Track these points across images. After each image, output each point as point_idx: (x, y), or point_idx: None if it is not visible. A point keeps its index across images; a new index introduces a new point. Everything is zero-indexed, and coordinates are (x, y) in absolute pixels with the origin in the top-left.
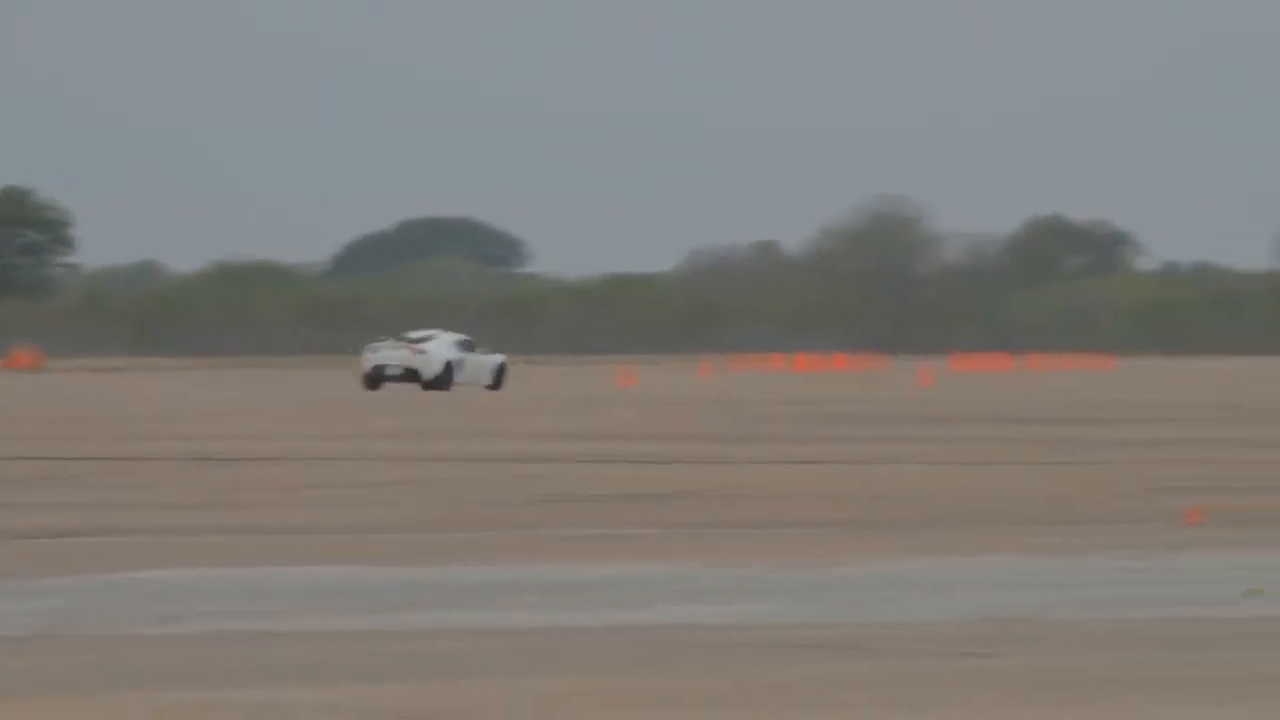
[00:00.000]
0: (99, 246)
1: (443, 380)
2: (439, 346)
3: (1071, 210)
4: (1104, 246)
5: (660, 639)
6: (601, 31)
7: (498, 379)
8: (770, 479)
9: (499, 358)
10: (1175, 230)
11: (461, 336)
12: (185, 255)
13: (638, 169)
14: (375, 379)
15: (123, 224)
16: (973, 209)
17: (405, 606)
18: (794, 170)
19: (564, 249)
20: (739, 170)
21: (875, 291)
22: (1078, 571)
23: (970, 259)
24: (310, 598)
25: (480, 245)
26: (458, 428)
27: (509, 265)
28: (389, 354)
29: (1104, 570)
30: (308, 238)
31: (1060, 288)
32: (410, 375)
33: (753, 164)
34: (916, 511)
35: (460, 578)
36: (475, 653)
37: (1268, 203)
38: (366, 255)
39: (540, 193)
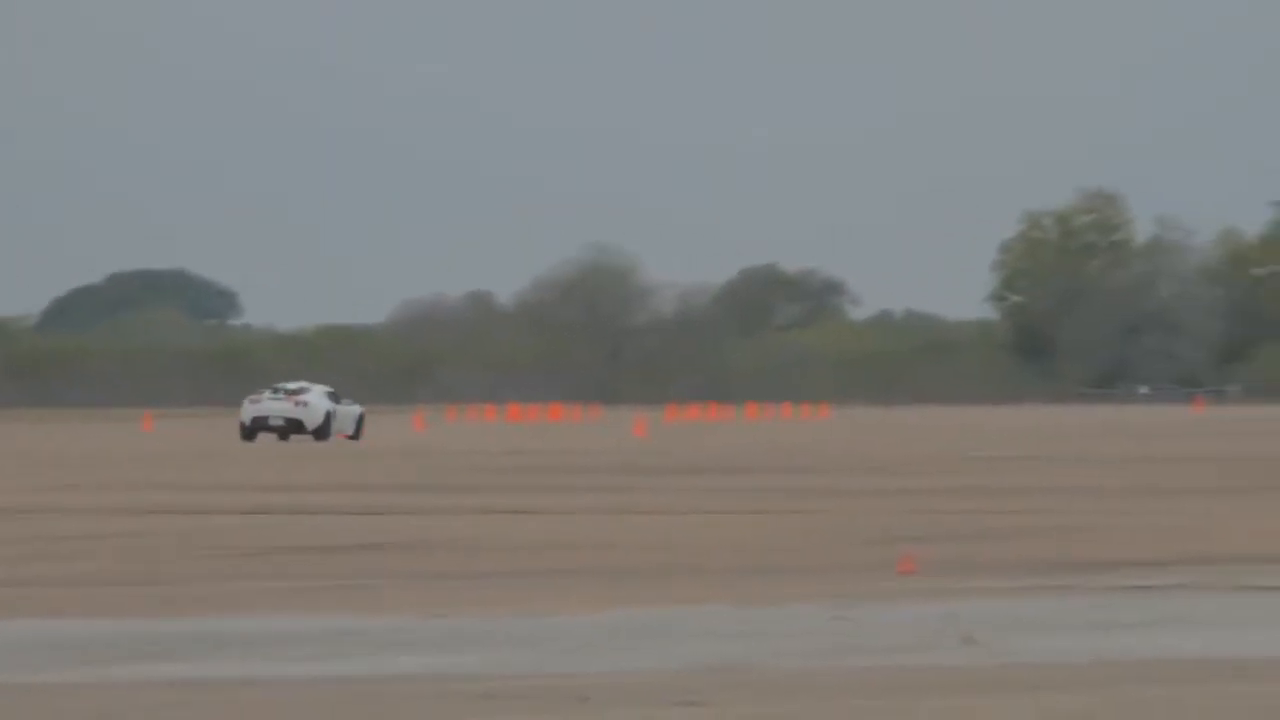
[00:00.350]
0: None
1: (324, 430)
2: (318, 398)
3: (784, 260)
4: (817, 296)
5: (370, 691)
6: (308, 80)
7: (358, 429)
8: (485, 530)
9: (358, 408)
10: (887, 279)
11: (328, 388)
12: None
13: (350, 220)
14: (254, 430)
15: None
16: (685, 259)
17: (115, 659)
18: (508, 220)
19: (277, 300)
20: (452, 220)
21: (589, 341)
22: (792, 620)
23: (684, 309)
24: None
25: (193, 297)
26: (176, 480)
27: (222, 317)
28: (271, 405)
29: (818, 619)
30: (17, 291)
31: (774, 337)
32: (294, 426)
33: (467, 214)
34: (633, 560)
35: (164, 629)
36: (175, 705)
37: (978, 252)
38: (77, 308)
39: (253, 244)
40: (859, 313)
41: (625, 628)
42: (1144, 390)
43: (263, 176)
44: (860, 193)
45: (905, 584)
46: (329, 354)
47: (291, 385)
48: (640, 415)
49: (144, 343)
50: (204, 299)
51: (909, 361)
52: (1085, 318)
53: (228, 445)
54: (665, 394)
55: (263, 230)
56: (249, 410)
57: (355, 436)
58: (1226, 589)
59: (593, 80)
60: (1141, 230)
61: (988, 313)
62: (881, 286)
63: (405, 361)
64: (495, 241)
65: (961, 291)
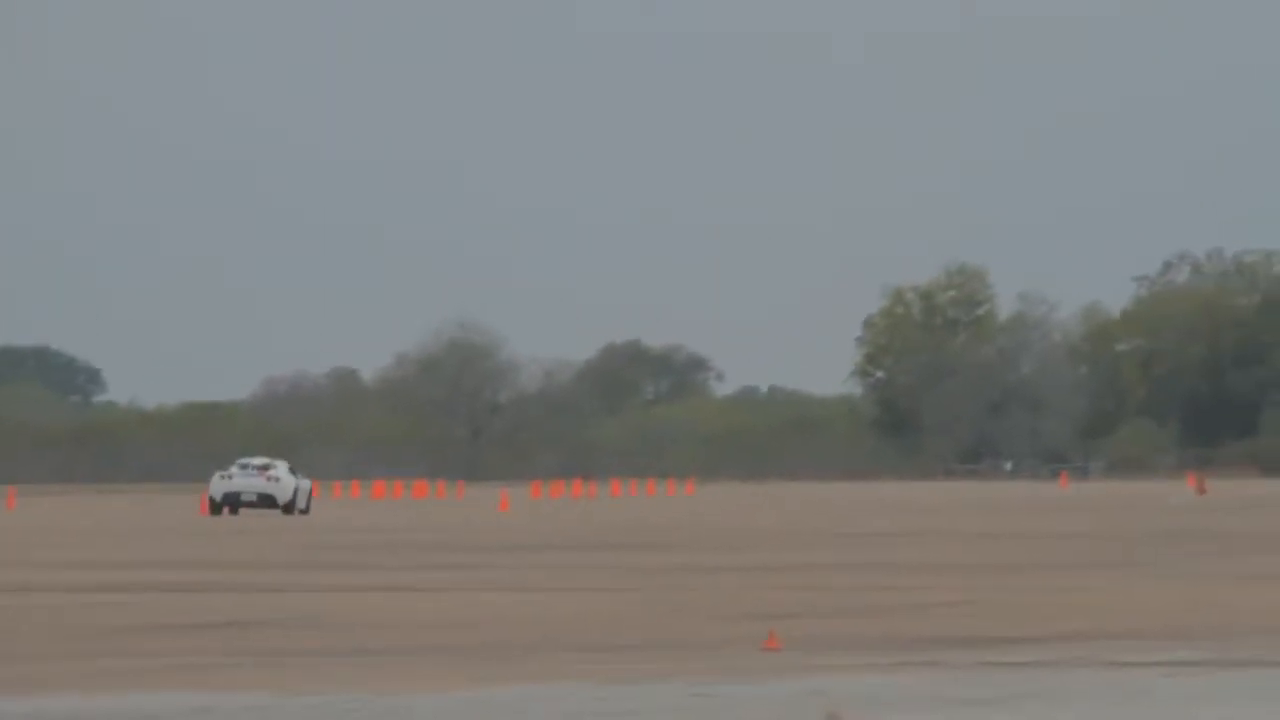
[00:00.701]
0: None
1: (292, 505)
2: (285, 473)
3: (648, 336)
4: (681, 372)
5: None
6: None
7: (308, 503)
8: (348, 607)
9: (308, 483)
10: (752, 355)
11: (288, 464)
12: None
13: (213, 295)
14: (223, 506)
15: None
16: (550, 335)
17: None
18: (373, 295)
19: (142, 376)
20: (317, 294)
21: (453, 418)
22: (654, 698)
23: (548, 385)
24: None
25: (56, 373)
26: (40, 558)
27: (86, 393)
28: (242, 481)
29: (682, 696)
30: None
31: (639, 413)
32: (266, 500)
33: (331, 287)
34: (496, 637)
35: (14, 709)
36: None
37: (843, 328)
38: None
39: (115, 320)
40: (723, 389)
41: (485, 706)
42: (1008, 466)
43: (126, 251)
44: (724, 269)
45: (770, 660)
46: (193, 431)
47: (257, 461)
48: (505, 492)
49: (5, 419)
50: (67, 375)
51: (774, 437)
52: (949, 393)
53: (91, 523)
54: (530, 470)
55: (125, 306)
56: (219, 486)
57: (306, 510)
58: (1094, 664)
59: (461, 150)
60: (1005, 306)
61: (852, 388)
62: (746, 363)
63: (269, 439)
64: (359, 317)
65: (826, 368)
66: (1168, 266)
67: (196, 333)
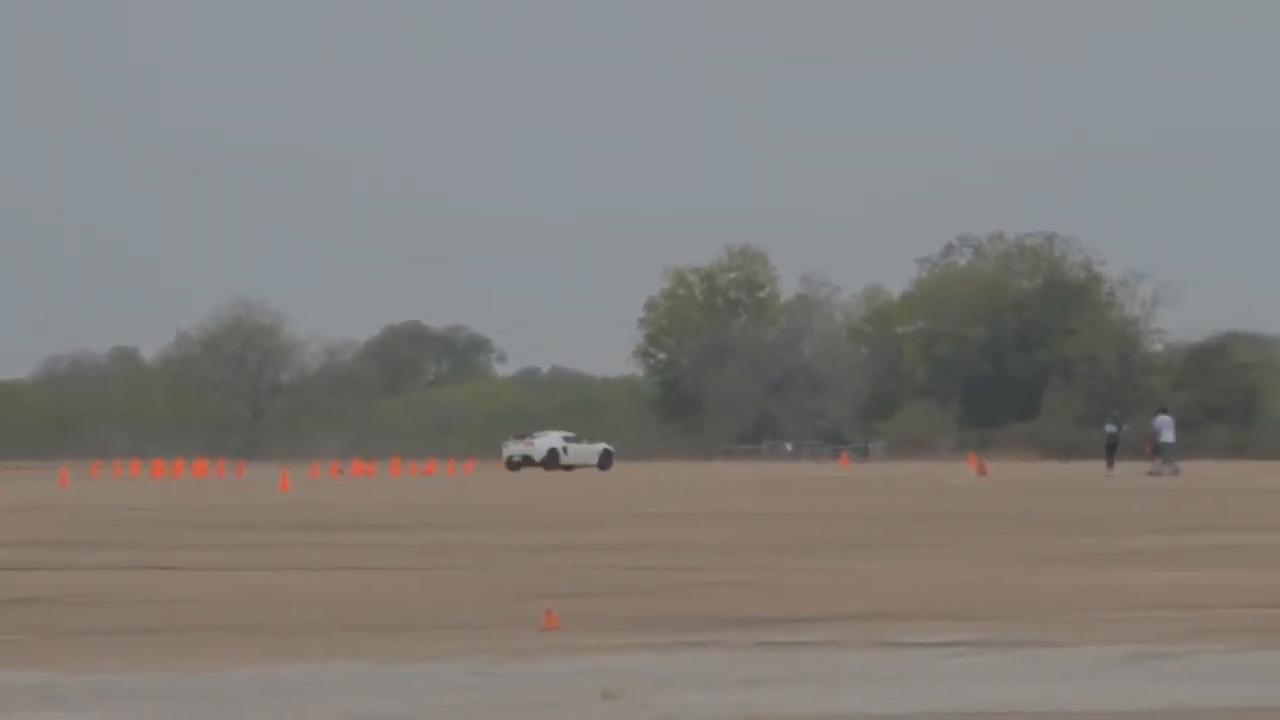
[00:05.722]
0: None
1: None
2: None
3: (430, 317)
4: (464, 352)
5: None
6: None
7: None
8: (126, 585)
9: None
10: (534, 336)
11: None
12: None
13: None
14: None
15: None
16: (332, 315)
17: None
18: (152, 276)
19: None
20: (97, 274)
21: (234, 397)
22: (433, 676)
23: (330, 365)
24: None
25: None
26: None
27: None
28: None
29: (459, 675)
30: None
31: (421, 394)
32: None
33: (113, 267)
34: (273, 617)
35: None
36: None
37: (625, 309)
38: None
39: None
40: (506, 370)
41: (266, 684)
42: (789, 447)
43: None
44: (506, 249)
45: (549, 639)
46: None
47: None
48: (286, 471)
49: None
50: None
51: (556, 418)
52: (730, 375)
53: None
54: (312, 450)
55: None
56: None
57: None
58: (874, 645)
59: (241, 125)
60: (787, 288)
61: (634, 370)
62: (528, 344)
63: (50, 418)
64: (141, 296)
65: (608, 349)
66: (949, 249)
67: None
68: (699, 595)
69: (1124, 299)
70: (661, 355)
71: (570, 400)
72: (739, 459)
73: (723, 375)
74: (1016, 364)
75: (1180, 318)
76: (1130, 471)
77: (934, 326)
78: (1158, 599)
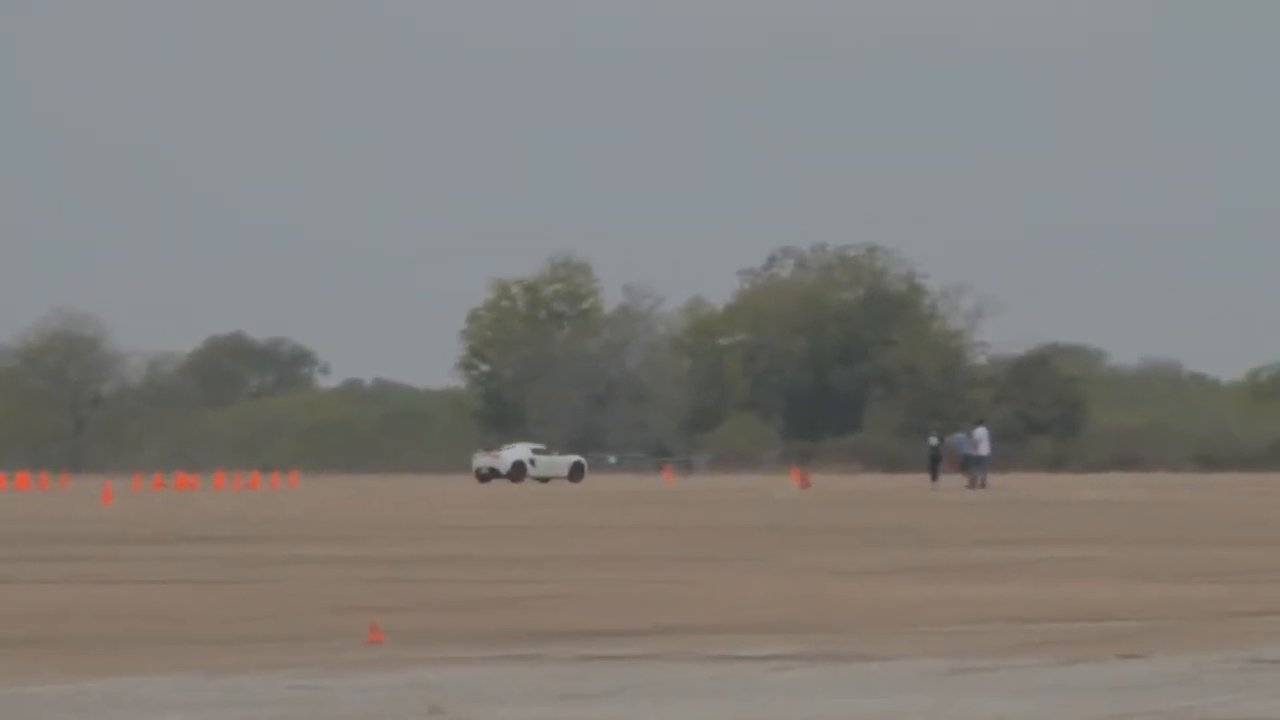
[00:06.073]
0: None
1: None
2: None
3: (251, 329)
4: (287, 365)
5: None
6: None
7: None
8: None
9: None
10: (356, 348)
11: None
12: None
13: None
14: None
15: None
16: (153, 328)
17: None
18: None
19: None
20: None
21: (55, 409)
22: (257, 690)
23: (152, 377)
24: None
25: None
26: None
27: None
28: None
29: (282, 690)
30: None
31: (244, 406)
32: None
33: None
34: (92, 630)
35: None
36: None
37: (448, 321)
38: None
39: None
40: (329, 382)
41: (85, 698)
42: (612, 460)
43: None
44: (330, 262)
45: (373, 653)
46: None
47: None
48: (108, 484)
49: None
50: None
51: (378, 430)
52: (553, 386)
53: None
54: (134, 463)
55: None
56: None
57: None
58: (700, 658)
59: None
60: (610, 299)
61: (457, 381)
62: (351, 356)
63: None
64: None
65: (431, 361)
66: (771, 260)
67: None
68: (524, 609)
69: (946, 311)
70: (484, 367)
71: (393, 412)
72: None
73: (545, 387)
74: (839, 376)
75: (1003, 330)
76: (954, 484)
77: (756, 339)
78: (980, 612)
